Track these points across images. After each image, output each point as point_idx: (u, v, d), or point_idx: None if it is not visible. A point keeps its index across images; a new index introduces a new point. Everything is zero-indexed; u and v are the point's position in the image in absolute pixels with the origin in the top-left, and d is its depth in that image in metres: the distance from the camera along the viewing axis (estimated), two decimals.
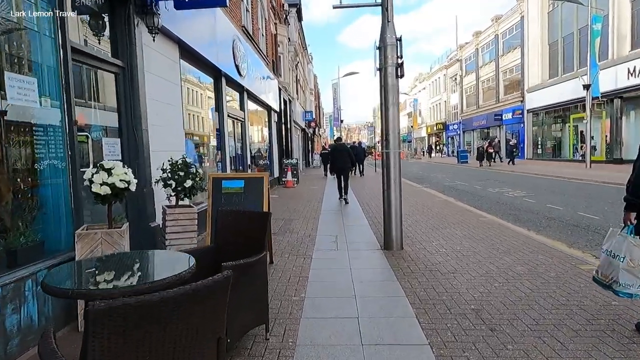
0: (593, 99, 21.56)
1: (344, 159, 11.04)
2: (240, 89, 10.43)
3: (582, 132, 26.22)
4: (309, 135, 40.05)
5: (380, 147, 40.01)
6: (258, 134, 13.65)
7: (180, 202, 4.85)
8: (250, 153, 11.67)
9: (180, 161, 4.75)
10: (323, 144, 55.08)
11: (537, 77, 31.27)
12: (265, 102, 13.87)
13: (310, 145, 41.96)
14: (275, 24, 18.06)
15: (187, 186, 4.58)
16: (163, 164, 4.68)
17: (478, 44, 42.48)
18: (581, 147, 25.57)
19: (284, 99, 18.92)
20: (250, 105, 12.24)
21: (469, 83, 45.77)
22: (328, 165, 13.99)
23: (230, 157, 9.03)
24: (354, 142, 29.85)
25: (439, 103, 56.98)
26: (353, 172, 21.47)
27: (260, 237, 3.05)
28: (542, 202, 10.61)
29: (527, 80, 32.74)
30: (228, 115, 9.07)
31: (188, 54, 6.70)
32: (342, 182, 11.04)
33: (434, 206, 9.81)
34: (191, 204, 4.91)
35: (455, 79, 49.86)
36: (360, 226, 7.67)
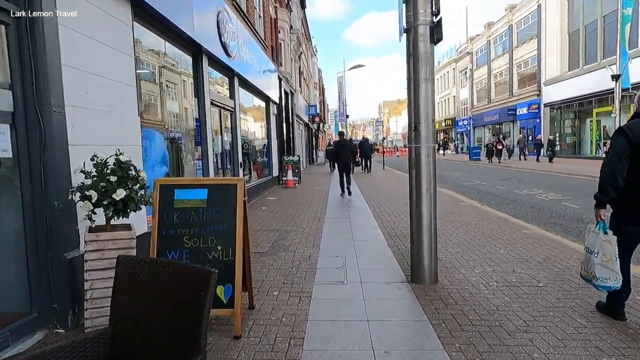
0: (623, 90, 19.71)
1: (345, 155, 11.32)
2: (229, 73, 8.83)
3: (604, 127, 24.43)
4: (313, 130, 38.37)
5: (382, 143, 38.48)
6: (254, 128, 12.04)
7: (116, 222, 3.25)
8: (243, 149, 10.07)
9: (112, 160, 3.15)
10: (328, 140, 53.38)
11: (555, 69, 29.40)
12: (263, 92, 12.25)
13: (314, 141, 40.28)
14: (276, 7, 16.41)
15: (118, 199, 2.98)
16: (84, 164, 3.08)
17: (490, 36, 40.54)
18: (604, 143, 23.77)
19: (285, 90, 17.30)
20: (244, 94, 10.63)
21: (480, 77, 43.84)
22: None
23: (214, 155, 7.43)
24: (363, 138, 28.59)
25: (448, 98, 55.08)
26: (361, 168, 21.86)
27: (193, 320, 1.45)
28: (588, 207, 8.93)
29: (544, 73, 30.87)
30: (212, 104, 7.47)
31: (148, 17, 5.09)
32: (345, 177, 11.25)
33: (461, 213, 8.15)
34: (130, 225, 3.31)
35: (465, 72, 47.92)
36: (374, 241, 6.05)
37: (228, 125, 8.84)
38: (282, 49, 17.91)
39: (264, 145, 13.32)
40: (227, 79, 8.88)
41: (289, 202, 10.55)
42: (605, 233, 3.07)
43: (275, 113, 14.51)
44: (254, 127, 12.04)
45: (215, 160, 7.78)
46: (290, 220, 7.83)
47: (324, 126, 59.68)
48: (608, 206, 3.13)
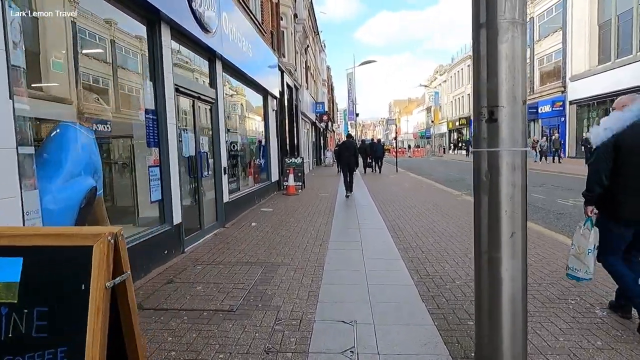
0: None
1: (349, 156, 11.84)
2: (208, 54, 6.98)
3: None
4: (321, 130, 36.46)
5: (394, 144, 36.85)
6: (247, 125, 10.19)
7: None
8: (230, 150, 8.22)
9: None
10: (337, 140, 51.42)
11: (583, 64, 27.12)
12: (259, 83, 10.41)
13: (322, 142, 38.36)
14: None
15: None
16: None
17: None
18: None
19: (288, 84, 15.45)
20: (232, 83, 8.80)
21: None
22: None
23: (181, 159, 5.59)
24: (374, 139, 27.07)
25: (462, 96, 52.77)
26: (372, 169, 22.25)
27: None
28: None
29: (570, 68, 28.59)
30: (179, 91, 5.63)
31: None
32: (348, 177, 11.65)
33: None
34: None
35: None
36: (399, 287, 4.14)
37: (206, 120, 6.99)
38: (285, 37, 16.07)
39: (261, 145, 11.47)
40: (206, 62, 7.03)
41: (287, 214, 8.68)
42: (592, 227, 3.20)
43: (276, 109, 12.66)
44: (247, 125, 10.20)
45: (185, 167, 5.94)
46: (283, 245, 5.96)
47: (332, 125, 57.72)
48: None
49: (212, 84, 7.15)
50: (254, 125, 10.93)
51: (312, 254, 5.46)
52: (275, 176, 12.57)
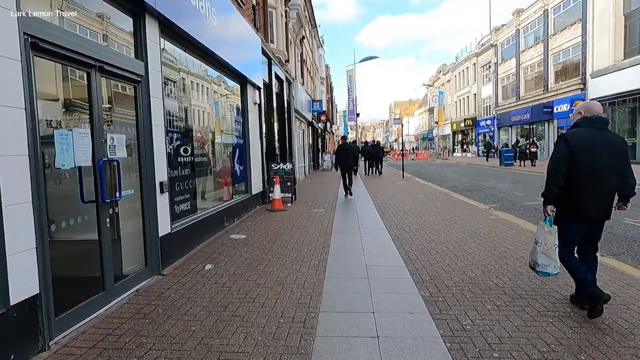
0: None
1: (348, 158, 12.16)
2: (130, 6, 4.45)
3: None
4: (319, 131, 33.88)
5: (395, 146, 35.42)
6: (211, 120, 7.62)
7: None
8: (175, 156, 5.67)
9: None
10: (337, 142, 48.85)
11: (606, 58, 24.66)
12: (232, 66, 7.89)
13: (320, 144, 35.76)
14: None
15: None
16: None
17: (519, 24, 35.79)
18: None
19: (277, 74, 12.90)
20: (186, 62, 6.26)
21: (507, 71, 39.07)
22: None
23: (58, 175, 3.08)
24: (374, 141, 25.91)
25: (467, 96, 50.27)
26: (371, 171, 22.17)
27: None
28: None
29: (590, 63, 26.15)
30: (38, 48, 3.09)
31: None
32: (347, 179, 11.96)
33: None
34: None
35: (489, 67, 43.12)
36: None
37: (124, 106, 4.43)
38: (273, 20, 13.55)
39: (237, 148, 8.91)
40: (127, 18, 4.49)
41: (263, 246, 6.14)
42: (551, 226, 3.52)
43: (258, 102, 10.11)
44: (214, 120, 7.65)
45: (67, 185, 3.39)
46: (244, 319, 3.42)
47: (332, 127, 55.11)
48: None
49: (139, 53, 4.60)
50: (226, 121, 8.38)
51: (288, 343, 2.92)
52: (257, 187, 10.02)
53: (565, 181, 3.36)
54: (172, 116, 5.51)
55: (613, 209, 3.45)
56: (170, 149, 5.34)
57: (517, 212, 9.25)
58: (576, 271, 3.42)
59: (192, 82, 6.56)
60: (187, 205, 5.81)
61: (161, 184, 4.77)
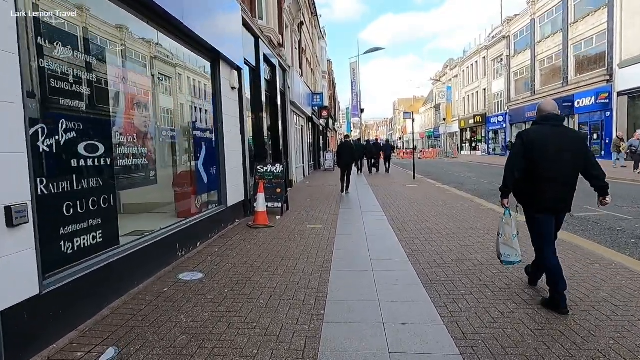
0: None
1: (348, 156, 12.64)
2: None
3: None
4: (320, 128, 31.59)
5: (402, 144, 33.42)
6: (159, 102, 5.38)
7: None
8: (45, 152, 3.43)
9: None
10: (340, 140, 46.43)
11: (636, 46, 22.28)
12: (195, 34, 5.68)
13: (322, 142, 33.46)
14: None
15: None
16: None
17: (535, 14, 33.36)
18: None
19: (266, 56, 10.65)
20: (109, 11, 4.05)
21: (520, 64, 36.65)
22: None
23: None
24: (384, 139, 24.78)
25: (477, 92, 47.82)
26: (376, 169, 22.22)
27: None
28: None
29: (617, 52, 23.82)
30: None
31: None
32: (346, 176, 12.41)
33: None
34: None
35: (501, 60, 40.67)
36: None
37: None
38: None
39: (203, 144, 6.65)
40: None
41: (221, 301, 3.90)
42: (510, 217, 3.71)
43: (237, 86, 7.86)
44: (165, 102, 5.42)
45: None
46: None
47: (334, 123, 52.74)
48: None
49: None
50: (186, 109, 6.13)
51: None
52: (236, 196, 7.79)
53: (527, 176, 3.47)
54: (60, 89, 3.28)
55: (597, 204, 3.55)
56: (49, 145, 3.11)
57: (575, 228, 7.00)
58: (555, 271, 3.41)
59: (119, 45, 4.33)
60: (94, 237, 3.57)
61: (7, 210, 2.55)
